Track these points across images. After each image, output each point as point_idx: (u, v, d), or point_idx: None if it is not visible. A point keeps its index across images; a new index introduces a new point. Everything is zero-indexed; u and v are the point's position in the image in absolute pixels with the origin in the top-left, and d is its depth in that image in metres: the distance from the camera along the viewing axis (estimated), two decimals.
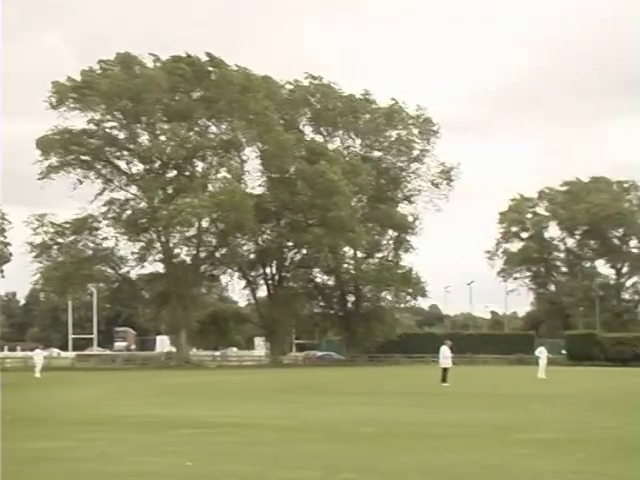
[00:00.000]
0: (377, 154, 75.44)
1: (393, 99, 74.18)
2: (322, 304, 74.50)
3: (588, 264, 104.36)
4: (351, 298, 74.28)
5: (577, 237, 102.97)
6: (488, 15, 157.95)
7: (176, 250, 65.74)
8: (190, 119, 62.61)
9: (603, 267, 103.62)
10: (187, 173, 64.23)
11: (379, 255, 75.20)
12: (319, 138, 72.71)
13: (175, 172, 64.36)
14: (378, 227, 73.92)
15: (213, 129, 66.03)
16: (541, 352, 42.97)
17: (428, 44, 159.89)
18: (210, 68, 63.22)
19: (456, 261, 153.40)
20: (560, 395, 27.51)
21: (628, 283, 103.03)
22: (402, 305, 76.45)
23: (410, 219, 75.15)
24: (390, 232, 75.12)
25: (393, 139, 74.82)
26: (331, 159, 64.60)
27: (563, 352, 76.38)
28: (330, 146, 71.55)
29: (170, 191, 62.56)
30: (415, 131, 74.74)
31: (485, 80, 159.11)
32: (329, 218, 62.63)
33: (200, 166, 65.36)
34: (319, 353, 77.86)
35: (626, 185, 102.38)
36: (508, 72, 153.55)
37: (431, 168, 75.40)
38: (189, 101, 63.06)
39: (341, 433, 14.64)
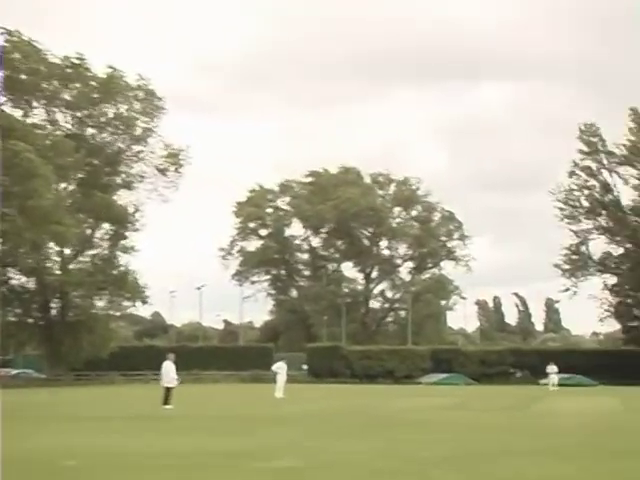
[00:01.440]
0: (91, 131, 73.63)
1: (111, 67, 72.59)
2: (19, 311, 71.53)
3: (334, 267, 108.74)
4: (56, 304, 72.15)
5: (323, 236, 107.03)
6: None
7: None
8: None
9: (351, 271, 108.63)
10: None
11: (91, 253, 73.70)
12: (17, 111, 69.31)
13: None
14: (91, 219, 72.38)
15: None
16: (279, 367, 44.01)
17: (151, 6, 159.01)
18: None
19: (185, 261, 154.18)
20: (300, 416, 28.32)
21: (377, 290, 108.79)
22: (118, 313, 75.34)
23: (130, 210, 74.19)
24: (106, 225, 73.79)
25: (111, 115, 73.45)
26: (26, 135, 61.42)
27: (304, 367, 79.18)
28: (30, 120, 68.54)
29: None
30: (137, 106, 73.81)
31: (220, 52, 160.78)
32: (29, 208, 60.05)
33: None
34: (13, 371, 74.81)
35: (380, 179, 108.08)
36: (248, 45, 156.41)
37: (156, 150, 74.94)
38: None
39: (39, 467, 13.96)
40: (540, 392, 54.02)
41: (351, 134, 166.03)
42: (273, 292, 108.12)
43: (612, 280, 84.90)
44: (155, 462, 14.75)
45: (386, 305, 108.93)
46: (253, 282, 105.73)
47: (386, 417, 28.21)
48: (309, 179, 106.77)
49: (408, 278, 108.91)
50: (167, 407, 31.53)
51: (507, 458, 15.52)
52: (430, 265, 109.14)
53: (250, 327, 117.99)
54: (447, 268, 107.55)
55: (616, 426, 24.65)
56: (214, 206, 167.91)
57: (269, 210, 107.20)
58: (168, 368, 33.31)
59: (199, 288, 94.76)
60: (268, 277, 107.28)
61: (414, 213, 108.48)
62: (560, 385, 63.16)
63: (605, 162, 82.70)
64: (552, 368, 63.98)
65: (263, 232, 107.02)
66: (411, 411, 31.97)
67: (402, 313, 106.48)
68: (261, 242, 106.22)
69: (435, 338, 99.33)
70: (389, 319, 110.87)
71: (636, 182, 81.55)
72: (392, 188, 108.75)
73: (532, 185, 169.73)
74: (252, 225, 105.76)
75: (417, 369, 79.11)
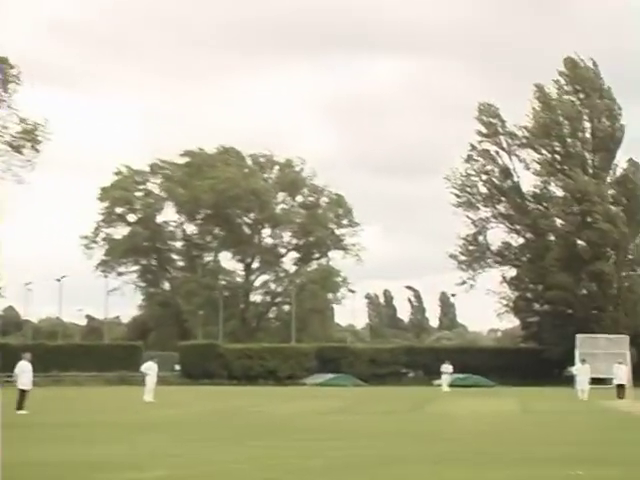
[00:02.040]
0: None
1: None
2: None
3: (211, 257, 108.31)
4: None
5: (199, 222, 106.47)
6: None
7: None
8: None
9: (229, 261, 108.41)
10: None
11: None
12: None
13: None
14: None
15: None
16: (149, 368, 43.76)
17: None
18: None
19: (42, 249, 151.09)
20: (172, 422, 28.27)
21: (258, 282, 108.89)
22: None
23: None
24: None
25: None
26: None
27: (177, 368, 78.83)
28: None
29: None
30: None
31: (80, 18, 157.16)
32: None
33: None
34: None
35: (261, 160, 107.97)
36: (111, 11, 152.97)
37: (10, 125, 73.24)
38: None
39: None
40: (433, 393, 54.99)
41: (231, 111, 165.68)
42: (142, 284, 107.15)
43: (511, 272, 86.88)
44: (8, 475, 14.47)
45: (268, 299, 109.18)
46: (120, 273, 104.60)
47: (267, 422, 28.34)
48: (184, 159, 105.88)
49: (293, 269, 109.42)
50: (21, 412, 31.00)
51: (396, 466, 15.75)
52: (317, 255, 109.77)
53: (116, 323, 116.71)
54: (335, 258, 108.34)
55: (513, 430, 25.26)
56: (76, 189, 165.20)
57: (138, 194, 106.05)
58: (23, 368, 32.78)
59: (59, 280, 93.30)
60: (137, 268, 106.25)
61: (299, 198, 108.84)
62: (456, 386, 64.39)
63: (505, 145, 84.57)
64: (446, 368, 65.15)
65: (131, 218, 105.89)
66: (294, 415, 32.21)
67: (286, 308, 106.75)
68: (129, 229, 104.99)
69: (321, 335, 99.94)
70: (271, 314, 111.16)
71: (537, 167, 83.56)
72: (275, 171, 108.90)
73: (427, 170, 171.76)
74: (119, 210, 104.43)
75: (301, 369, 79.66)
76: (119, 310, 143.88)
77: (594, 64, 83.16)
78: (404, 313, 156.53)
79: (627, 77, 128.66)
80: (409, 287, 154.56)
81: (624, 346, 71.23)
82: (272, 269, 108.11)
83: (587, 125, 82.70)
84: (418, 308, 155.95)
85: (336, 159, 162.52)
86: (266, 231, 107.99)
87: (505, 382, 72.83)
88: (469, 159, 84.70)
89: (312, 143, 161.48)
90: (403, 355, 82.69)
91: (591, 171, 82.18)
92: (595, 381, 54.56)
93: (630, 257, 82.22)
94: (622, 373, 48.79)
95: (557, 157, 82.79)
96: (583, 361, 53.30)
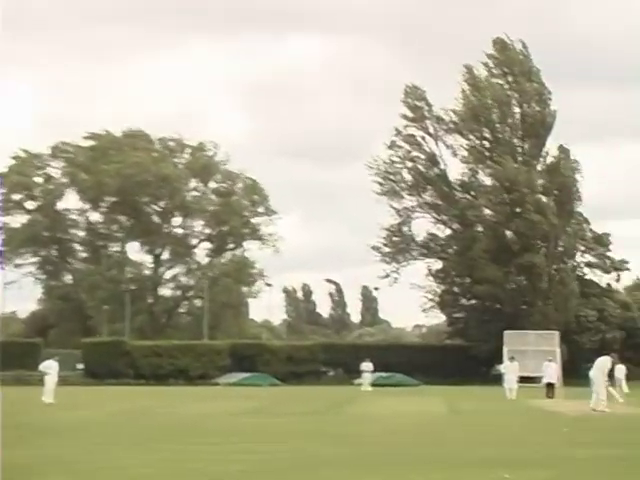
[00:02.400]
0: None
1: None
2: None
3: (117, 248, 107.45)
4: None
5: (103, 210, 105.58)
6: None
7: None
8: None
9: (137, 253, 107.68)
10: None
11: None
12: None
13: None
14: None
15: None
16: (49, 367, 43.40)
17: None
18: None
19: None
20: (74, 425, 28.03)
21: (168, 275, 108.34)
22: None
23: None
24: None
25: None
26: None
27: (79, 366, 78.03)
28: None
29: None
30: None
31: None
32: None
33: None
34: None
35: (172, 144, 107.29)
36: None
37: None
38: None
39: None
40: (354, 393, 55.18)
41: (139, 92, 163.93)
42: (42, 277, 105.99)
43: (437, 265, 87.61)
44: None
45: (179, 293, 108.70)
46: (17, 265, 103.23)
47: (177, 424, 28.22)
48: (88, 143, 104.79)
49: (205, 261, 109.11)
50: None
51: (314, 470, 15.79)
52: (231, 246, 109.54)
53: (13, 318, 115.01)
54: (251, 249, 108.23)
55: (438, 431, 25.50)
56: None
57: (38, 179, 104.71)
58: None
59: None
60: (36, 259, 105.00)
61: (212, 185, 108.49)
62: (378, 385, 64.95)
63: (432, 130, 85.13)
64: (366, 366, 65.60)
65: (30, 205, 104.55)
66: (206, 417, 32.11)
67: (198, 302, 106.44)
68: (28, 217, 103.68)
69: (235, 332, 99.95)
70: (182, 309, 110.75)
71: (465, 154, 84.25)
72: (186, 155, 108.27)
73: (348, 156, 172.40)
74: (16, 197, 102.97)
75: (214, 368, 79.47)
76: (16, 305, 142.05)
77: (524, 46, 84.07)
78: (324, 308, 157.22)
79: (555, 62, 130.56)
80: (329, 280, 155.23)
81: (554, 343, 72.68)
82: (183, 261, 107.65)
83: (517, 110, 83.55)
84: (339, 303, 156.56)
85: (251, 144, 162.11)
86: (176, 220, 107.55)
87: (430, 381, 73.42)
88: (393, 145, 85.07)
89: (226, 127, 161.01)
90: (322, 353, 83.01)
91: (521, 159, 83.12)
92: (524, 379, 55.21)
93: (560, 249, 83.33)
94: (552, 371, 49.64)
95: (486, 144, 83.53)
96: (511, 359, 53.79)
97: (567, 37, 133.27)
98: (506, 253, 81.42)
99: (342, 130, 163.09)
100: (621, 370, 47.58)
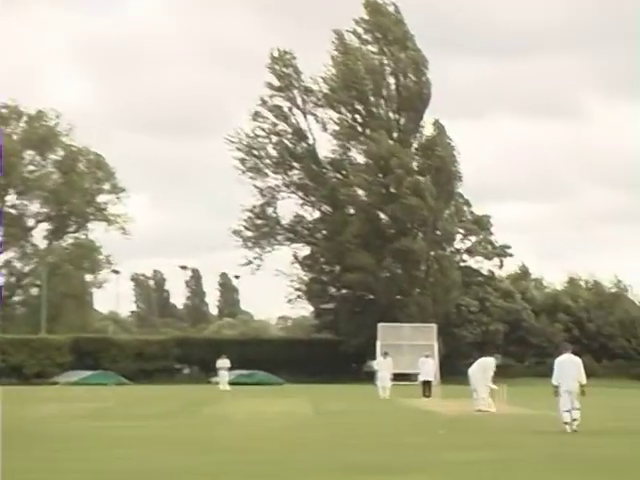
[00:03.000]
0: None
1: None
2: None
3: None
4: None
5: None
6: None
7: None
8: None
9: None
10: None
11: None
12: None
13: None
14: None
15: None
16: None
17: None
18: None
19: None
20: None
21: (0, 260, 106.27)
22: None
23: None
24: None
25: None
26: None
27: None
28: None
29: None
30: None
31: None
32: None
33: None
34: None
35: (4, 111, 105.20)
36: None
37: None
38: None
39: None
40: (211, 393, 55.21)
41: None
42: None
43: (304, 251, 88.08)
44: None
45: (13, 280, 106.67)
46: None
47: (8, 429, 27.64)
48: None
49: (43, 245, 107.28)
50: None
51: None
52: (73, 227, 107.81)
53: None
54: (96, 232, 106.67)
55: (301, 435, 25.56)
56: None
57: None
58: None
59: None
60: None
61: (52, 158, 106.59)
62: (238, 384, 65.18)
63: (300, 102, 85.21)
64: (223, 362, 65.72)
65: None
66: (43, 420, 31.81)
67: (34, 291, 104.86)
68: None
69: (78, 325, 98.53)
70: (17, 299, 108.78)
71: (336, 128, 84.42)
72: (22, 124, 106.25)
73: (205, 128, 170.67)
74: None
75: (53, 365, 78.66)
76: None
77: (396, 10, 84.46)
78: (178, 298, 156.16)
79: (433, 29, 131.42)
80: (184, 267, 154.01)
81: (432, 336, 73.56)
82: (17, 244, 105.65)
83: (392, 81, 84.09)
84: (195, 292, 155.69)
85: (98, 114, 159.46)
86: (11, 198, 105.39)
87: (296, 379, 73.70)
88: (257, 116, 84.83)
89: (69, 96, 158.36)
90: (176, 348, 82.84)
91: (396, 135, 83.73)
92: (398, 377, 56.19)
93: (439, 234, 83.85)
94: (428, 368, 50.12)
95: (358, 118, 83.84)
96: (385, 354, 54.35)
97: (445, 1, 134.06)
98: (380, 238, 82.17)
99: (199, 99, 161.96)
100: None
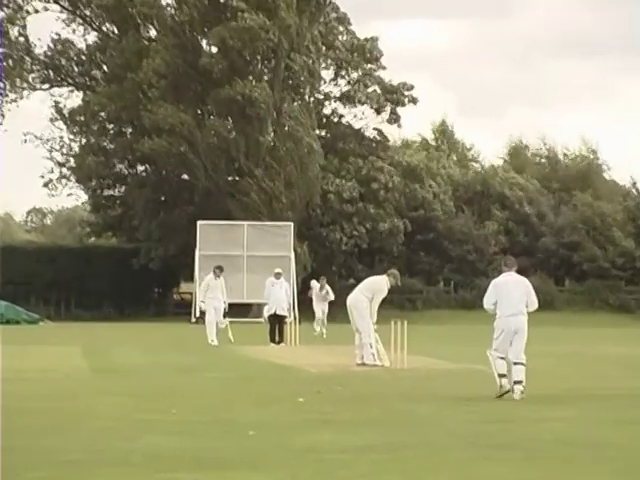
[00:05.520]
0: None
1: None
2: None
3: None
4: None
5: None
6: None
7: None
8: None
9: None
10: None
11: None
12: None
13: None
14: None
15: None
16: None
17: None
18: None
19: None
20: None
21: None
22: None
23: None
24: None
25: None
26: None
27: None
28: None
29: None
30: None
31: None
32: None
33: None
34: None
35: None
36: None
37: None
38: None
39: None
40: None
41: None
42: None
43: (73, 101, 67.22)
44: None
45: None
46: None
47: None
48: None
49: None
50: None
51: None
52: None
53: None
54: None
55: (64, 409, 16.26)
56: None
57: None
58: None
59: None
60: None
61: None
62: None
63: None
64: None
65: None
66: None
67: None
68: None
69: None
70: None
71: None
72: None
73: None
74: None
75: None
76: None
77: None
78: None
79: None
80: None
81: (285, 243, 57.13)
82: None
83: None
84: None
85: None
86: None
87: (61, 314, 59.79)
88: None
89: None
90: None
91: None
92: (233, 310, 43.56)
93: (295, 72, 62.37)
94: (281, 294, 39.08)
95: None
96: (218, 270, 38.01)
97: None
98: (200, 82, 60.61)
99: None
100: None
